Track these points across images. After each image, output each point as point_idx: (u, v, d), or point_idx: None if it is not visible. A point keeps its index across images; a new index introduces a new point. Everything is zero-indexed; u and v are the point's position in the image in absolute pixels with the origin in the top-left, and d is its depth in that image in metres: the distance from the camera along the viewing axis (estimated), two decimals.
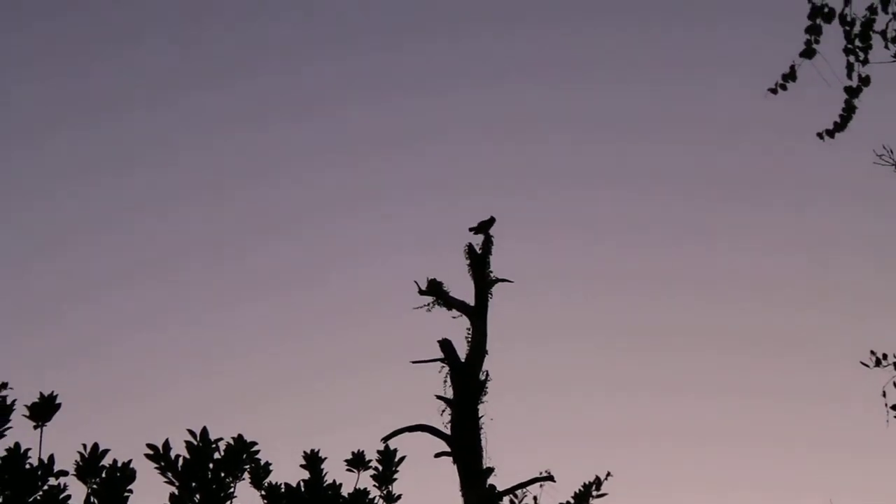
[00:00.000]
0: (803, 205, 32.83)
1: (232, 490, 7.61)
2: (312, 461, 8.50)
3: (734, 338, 32.20)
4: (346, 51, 34.55)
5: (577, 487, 13.86)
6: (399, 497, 8.93)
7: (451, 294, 16.34)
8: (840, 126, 8.37)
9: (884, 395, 10.97)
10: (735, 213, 33.36)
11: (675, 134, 33.58)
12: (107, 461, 7.25)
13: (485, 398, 15.60)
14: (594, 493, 13.86)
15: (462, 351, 15.94)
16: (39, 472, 7.05)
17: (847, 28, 7.93)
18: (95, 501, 7.14)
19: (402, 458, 9.07)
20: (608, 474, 13.99)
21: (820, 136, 8.44)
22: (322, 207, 34.95)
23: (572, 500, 13.71)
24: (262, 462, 8.19)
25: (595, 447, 27.90)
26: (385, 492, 8.92)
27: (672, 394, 30.59)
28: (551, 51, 33.53)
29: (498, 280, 16.42)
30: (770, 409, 30.51)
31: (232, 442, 7.73)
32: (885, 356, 11.03)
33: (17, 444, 7.14)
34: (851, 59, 8.00)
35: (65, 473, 7.17)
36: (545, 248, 30.88)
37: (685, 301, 32.34)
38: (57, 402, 7.40)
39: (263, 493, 8.23)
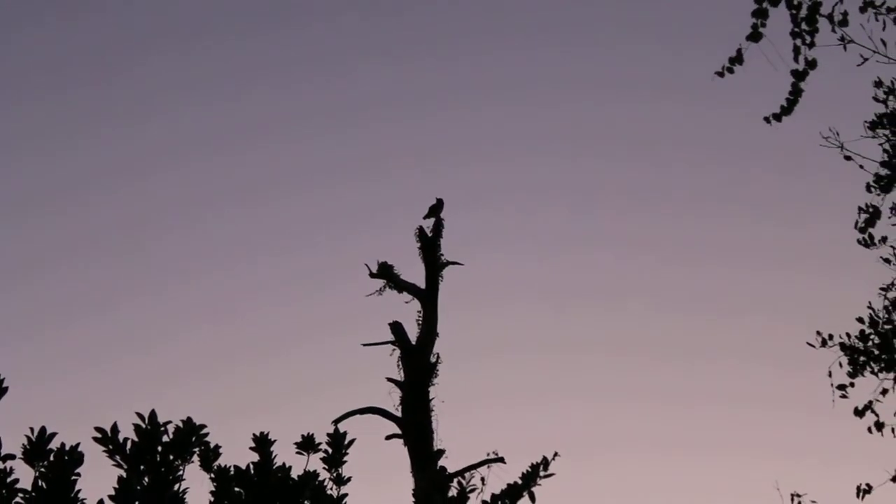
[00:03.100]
0: (752, 185, 33.07)
1: (181, 473, 7.58)
2: (262, 444, 8.49)
3: (688, 306, 32.46)
4: (295, 23, 34.41)
5: (525, 468, 13.92)
6: (349, 479, 8.94)
7: (401, 277, 16.34)
8: (787, 110, 8.44)
9: (829, 374, 11.11)
10: (688, 188, 33.60)
11: (629, 104, 33.71)
12: (54, 445, 7.20)
13: (435, 380, 15.64)
14: (542, 473, 13.93)
15: (413, 333, 15.96)
16: None
17: (794, 11, 7.99)
18: (43, 485, 7.09)
19: (352, 441, 9.08)
20: (555, 454, 14.06)
21: (767, 120, 8.51)
22: (273, 185, 34.87)
23: (520, 481, 13.76)
24: (212, 445, 8.17)
25: (545, 424, 28.04)
26: (335, 474, 8.92)
27: (621, 367, 30.79)
28: (501, 19, 33.54)
29: (448, 263, 16.44)
30: (720, 383, 30.78)
31: (181, 425, 7.70)
32: (830, 337, 11.16)
33: None
34: (798, 42, 8.06)
35: (12, 457, 7.11)
36: (490, 220, 30.96)
37: (638, 264, 32.56)
38: (3, 385, 7.33)
39: (212, 475, 8.22)
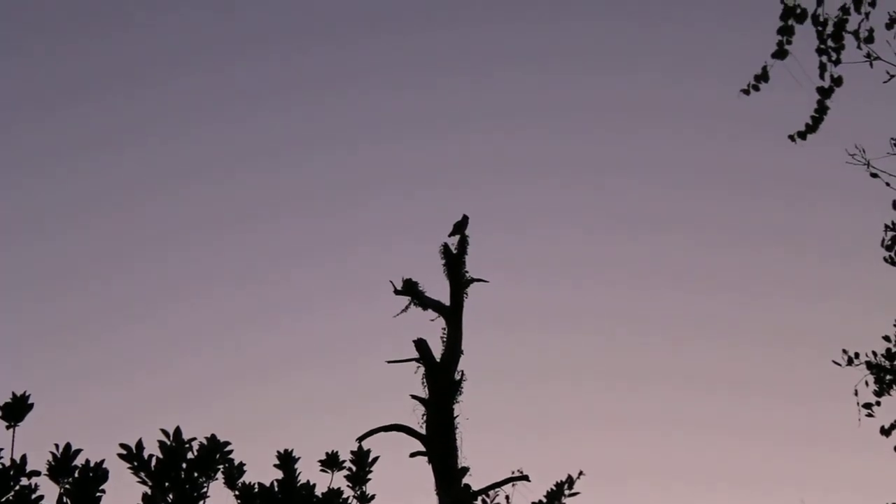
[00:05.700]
0: (778, 204, 32.97)
1: (205, 490, 7.59)
2: (286, 461, 8.49)
3: (712, 332, 32.34)
4: (314, 41, 34.55)
5: (550, 486, 13.88)
6: (373, 497, 8.92)
7: (426, 294, 16.33)
8: (812, 127, 8.39)
9: (856, 393, 11.04)
10: (711, 210, 33.53)
11: (652, 129, 33.69)
12: (79, 461, 7.22)
13: (460, 398, 15.62)
14: (567, 491, 13.88)
15: (437, 350, 15.94)
16: (12, 472, 7.03)
17: (820, 28, 7.95)
18: (68, 501, 7.11)
19: (376, 459, 9.07)
20: (580, 473, 14.01)
21: (791, 137, 8.46)
22: (297, 202, 34.96)
23: (545, 500, 13.71)
24: (236, 462, 8.17)
25: (569, 445, 27.97)
26: (359, 492, 8.91)
27: (647, 388, 30.69)
28: (529, 42, 33.61)
29: (473, 280, 16.43)
30: (744, 405, 30.64)
31: (205, 442, 7.71)
32: (856, 355, 11.10)
33: None
34: (824, 59, 8.02)
35: (37, 473, 7.14)
36: (516, 242, 30.95)
37: (662, 292, 32.47)
38: (29, 402, 7.36)
39: (237, 492, 8.22)
